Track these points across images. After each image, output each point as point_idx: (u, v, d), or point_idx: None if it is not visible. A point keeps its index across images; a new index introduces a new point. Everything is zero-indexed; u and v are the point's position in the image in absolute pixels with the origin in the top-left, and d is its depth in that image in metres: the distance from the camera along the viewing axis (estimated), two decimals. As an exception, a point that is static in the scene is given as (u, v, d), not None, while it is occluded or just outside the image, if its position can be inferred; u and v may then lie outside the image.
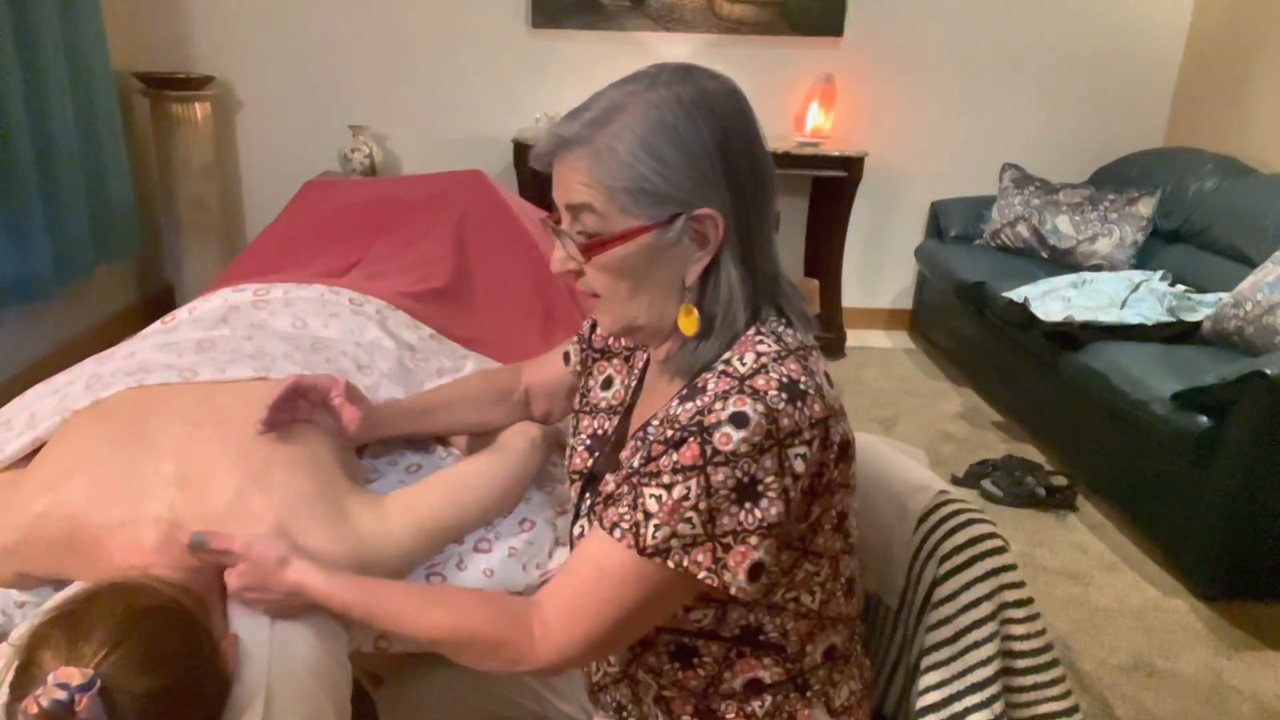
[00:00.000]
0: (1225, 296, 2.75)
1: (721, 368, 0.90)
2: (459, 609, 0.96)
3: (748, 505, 0.85)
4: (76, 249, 3.12)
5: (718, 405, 0.85)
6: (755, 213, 0.92)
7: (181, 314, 1.62)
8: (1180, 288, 3.09)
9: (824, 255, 4.07)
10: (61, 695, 0.77)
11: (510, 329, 1.87)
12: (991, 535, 1.06)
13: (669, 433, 0.88)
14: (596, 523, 0.91)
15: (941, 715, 1.02)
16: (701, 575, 0.86)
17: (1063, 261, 3.63)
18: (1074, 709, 1.05)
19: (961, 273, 3.53)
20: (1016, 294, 3.09)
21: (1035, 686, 1.04)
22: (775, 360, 0.88)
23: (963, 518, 1.07)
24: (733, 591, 0.87)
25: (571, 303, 2.02)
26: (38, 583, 1.12)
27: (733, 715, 1.00)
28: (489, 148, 4.03)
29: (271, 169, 4.06)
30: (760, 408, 0.84)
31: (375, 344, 1.55)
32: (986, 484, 2.80)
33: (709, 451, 0.84)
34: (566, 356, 1.26)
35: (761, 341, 0.90)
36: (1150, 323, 2.79)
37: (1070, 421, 2.91)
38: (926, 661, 1.05)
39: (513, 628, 0.92)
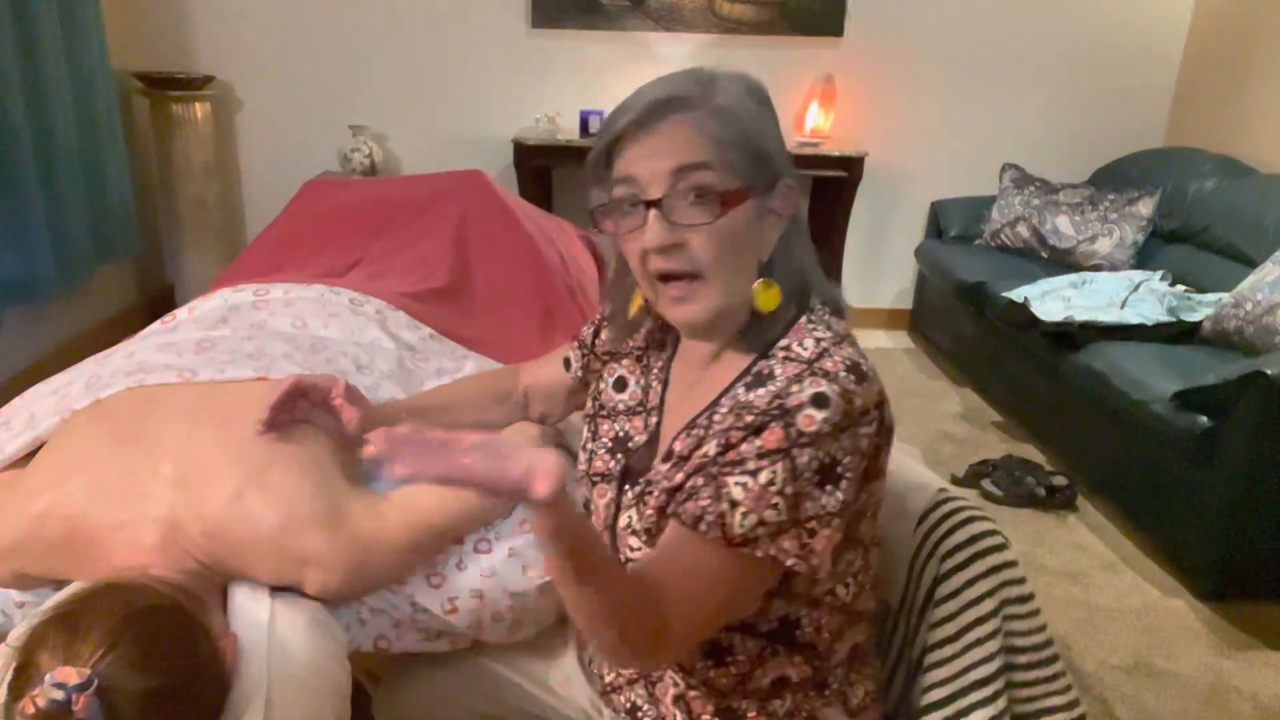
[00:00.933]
0: (1225, 296, 2.75)
1: (782, 354, 0.92)
2: (630, 593, 0.86)
3: (828, 488, 0.86)
4: (76, 249, 3.12)
5: (795, 389, 0.87)
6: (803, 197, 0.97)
7: (181, 314, 1.62)
8: (1180, 288, 3.09)
9: (824, 255, 4.03)
10: (59, 695, 0.77)
11: (510, 329, 1.87)
12: (992, 532, 1.06)
13: (748, 419, 0.88)
14: (677, 520, 0.90)
15: (945, 712, 1.03)
16: (790, 562, 0.87)
17: (1063, 261, 3.63)
18: (1075, 703, 1.06)
19: (961, 273, 3.53)
20: (1016, 294, 3.09)
21: (1037, 681, 1.05)
22: (834, 345, 0.90)
23: (963, 515, 1.08)
24: (820, 575, 0.89)
25: (571, 303, 2.02)
26: (37, 583, 1.12)
27: (754, 714, 1.00)
28: (489, 148, 4.03)
29: (271, 169, 4.06)
30: (835, 388, 0.86)
31: (375, 344, 1.55)
32: (986, 484, 2.80)
33: (793, 434, 0.85)
34: (567, 362, 1.25)
35: (815, 329, 0.93)
36: (1150, 323, 2.79)
37: (1070, 421, 2.91)
38: (929, 659, 1.05)
39: (654, 617, 0.86)
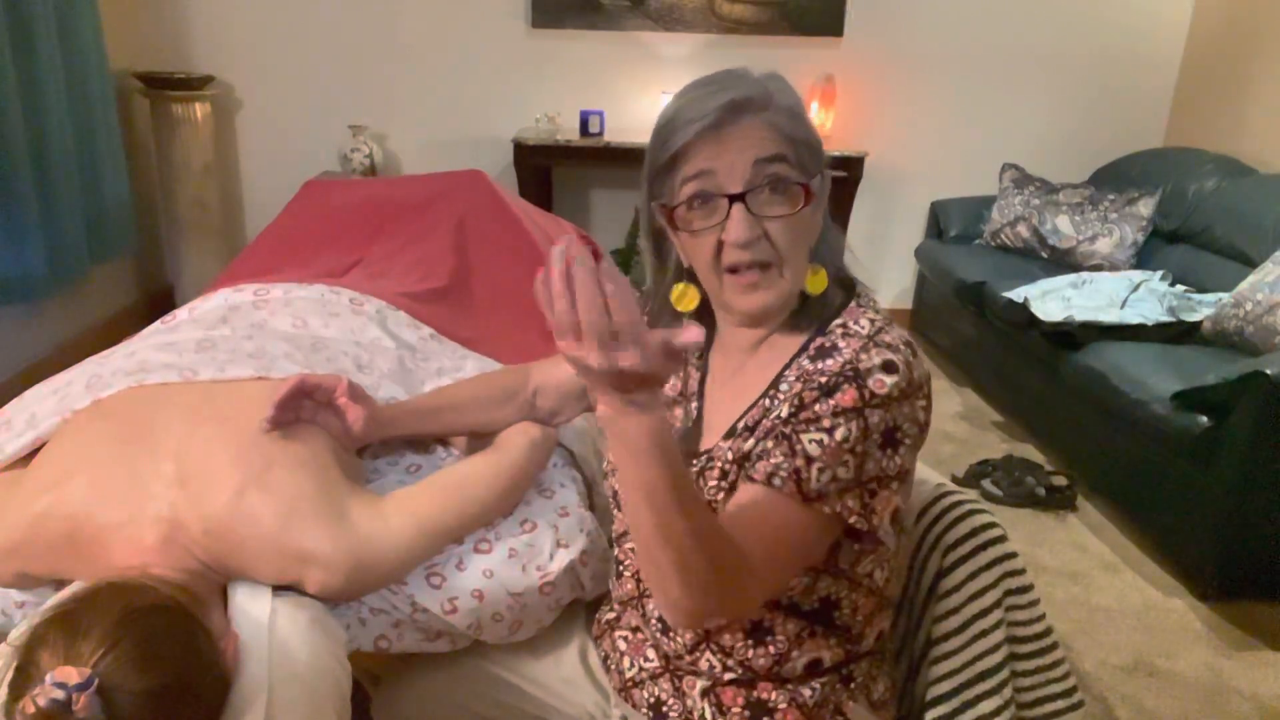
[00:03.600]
0: (1225, 296, 2.75)
1: (841, 330, 0.96)
2: (716, 527, 0.83)
3: (888, 451, 0.90)
4: (71, 249, 3.12)
5: (864, 355, 0.91)
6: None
7: (181, 314, 1.62)
8: (1180, 288, 3.09)
9: (824, 255, 4.07)
10: (59, 694, 0.77)
11: (510, 329, 1.87)
12: (992, 525, 1.08)
13: (822, 380, 0.91)
14: (749, 480, 0.93)
15: (952, 704, 1.04)
16: (853, 520, 0.90)
17: (1063, 261, 3.63)
18: (1074, 690, 1.09)
19: (961, 273, 3.53)
20: (1016, 294, 3.09)
21: (1039, 670, 1.07)
22: (887, 325, 0.96)
23: (963, 509, 1.09)
24: (880, 534, 0.93)
25: (571, 303, 2.02)
26: (38, 583, 1.12)
27: (784, 706, 1.01)
28: (489, 148, 4.03)
29: (271, 169, 4.06)
30: (900, 358, 0.91)
31: (375, 344, 1.55)
32: (986, 484, 2.80)
33: (867, 395, 0.89)
34: None
35: (866, 311, 0.98)
36: (1150, 323, 2.79)
37: (1070, 421, 2.91)
38: (935, 652, 1.06)
39: (741, 573, 0.84)
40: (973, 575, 1.05)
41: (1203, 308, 2.87)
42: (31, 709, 0.77)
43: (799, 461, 0.89)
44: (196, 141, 3.74)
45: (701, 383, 1.09)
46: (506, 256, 2.03)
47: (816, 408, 0.90)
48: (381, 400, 1.33)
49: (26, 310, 3.10)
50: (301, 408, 1.20)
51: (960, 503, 1.10)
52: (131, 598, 0.89)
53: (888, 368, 0.90)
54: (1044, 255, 3.69)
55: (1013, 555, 1.07)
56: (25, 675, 0.81)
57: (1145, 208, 3.53)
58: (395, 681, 1.27)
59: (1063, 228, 3.65)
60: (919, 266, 4.13)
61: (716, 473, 0.99)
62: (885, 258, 4.29)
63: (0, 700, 0.83)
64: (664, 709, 1.07)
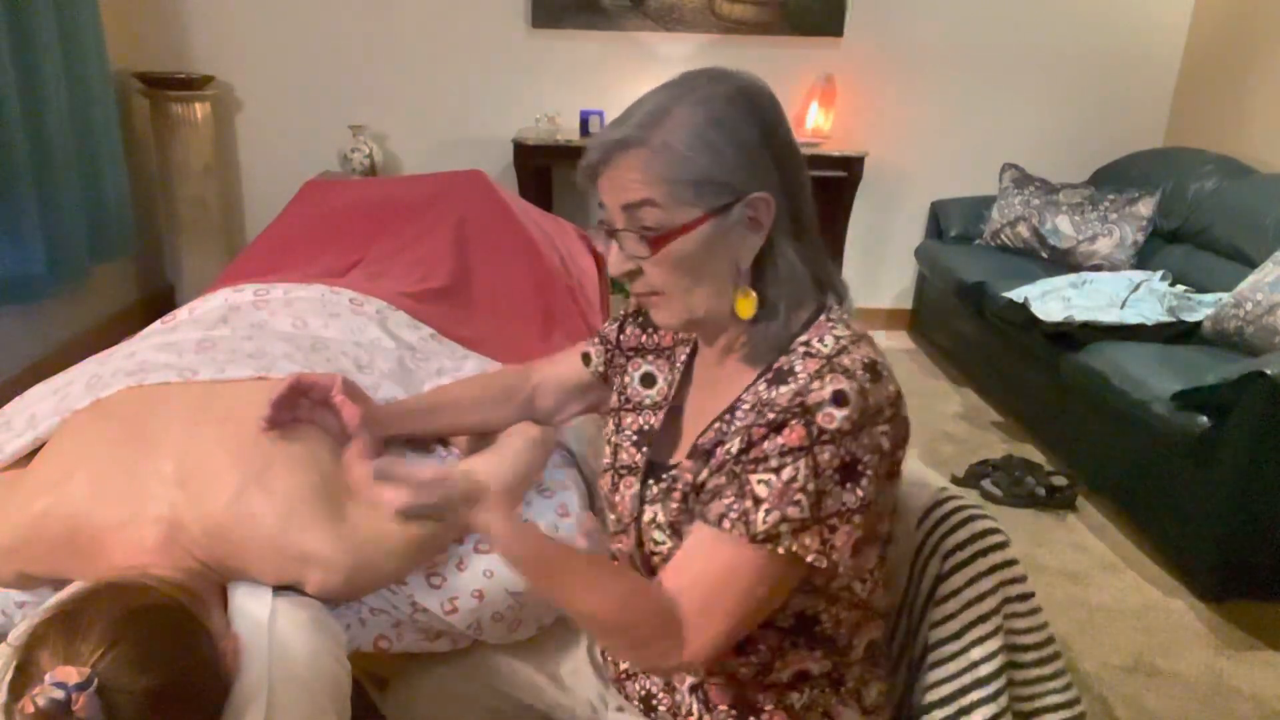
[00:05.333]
0: (1225, 296, 2.75)
1: (803, 349, 0.94)
2: (623, 598, 0.93)
3: (849, 485, 0.88)
4: (71, 249, 3.12)
5: (815, 385, 0.88)
6: (801, 193, 0.97)
7: (181, 314, 1.62)
8: (1180, 288, 3.09)
9: (824, 255, 4.07)
10: (58, 694, 0.77)
11: (510, 329, 1.87)
12: (993, 530, 1.07)
13: (769, 416, 0.90)
14: (702, 520, 0.93)
15: (948, 710, 1.03)
16: (810, 558, 0.88)
17: (1063, 261, 3.63)
18: (1075, 701, 1.07)
19: (961, 273, 3.53)
20: (1016, 294, 3.09)
21: (1039, 679, 1.06)
22: (853, 343, 0.93)
23: (964, 514, 1.08)
24: (841, 570, 0.90)
25: (571, 303, 2.02)
26: (38, 583, 1.12)
27: (770, 707, 1.01)
28: (489, 148, 4.03)
29: (271, 169, 4.06)
30: (854, 386, 0.88)
31: (375, 344, 1.55)
32: (986, 484, 2.80)
33: (814, 431, 0.87)
34: (586, 357, 1.25)
35: (834, 326, 0.95)
36: (1150, 323, 2.79)
37: (1070, 421, 2.91)
38: (932, 657, 1.05)
39: (669, 625, 0.91)
40: (971, 581, 1.04)
41: (1203, 308, 2.87)
42: (31, 709, 0.77)
43: (748, 503, 0.88)
44: (196, 141, 3.74)
45: (682, 388, 1.10)
46: (506, 256, 2.03)
47: (765, 445, 0.89)
48: (381, 400, 1.33)
49: (26, 310, 3.10)
50: (298, 407, 1.19)
51: (962, 508, 1.09)
52: (131, 598, 0.89)
53: (837, 400, 0.87)
54: (1044, 255, 3.69)
55: (1013, 563, 1.05)
56: (25, 675, 0.81)
57: (1145, 208, 3.53)
58: (407, 676, 1.27)
59: (1063, 228, 3.65)
60: (919, 266, 4.13)
61: (679, 494, 0.99)
62: (885, 258, 4.29)
63: (0, 700, 0.83)
64: (654, 702, 1.08)
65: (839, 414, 0.87)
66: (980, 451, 3.06)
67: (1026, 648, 1.05)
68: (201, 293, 1.73)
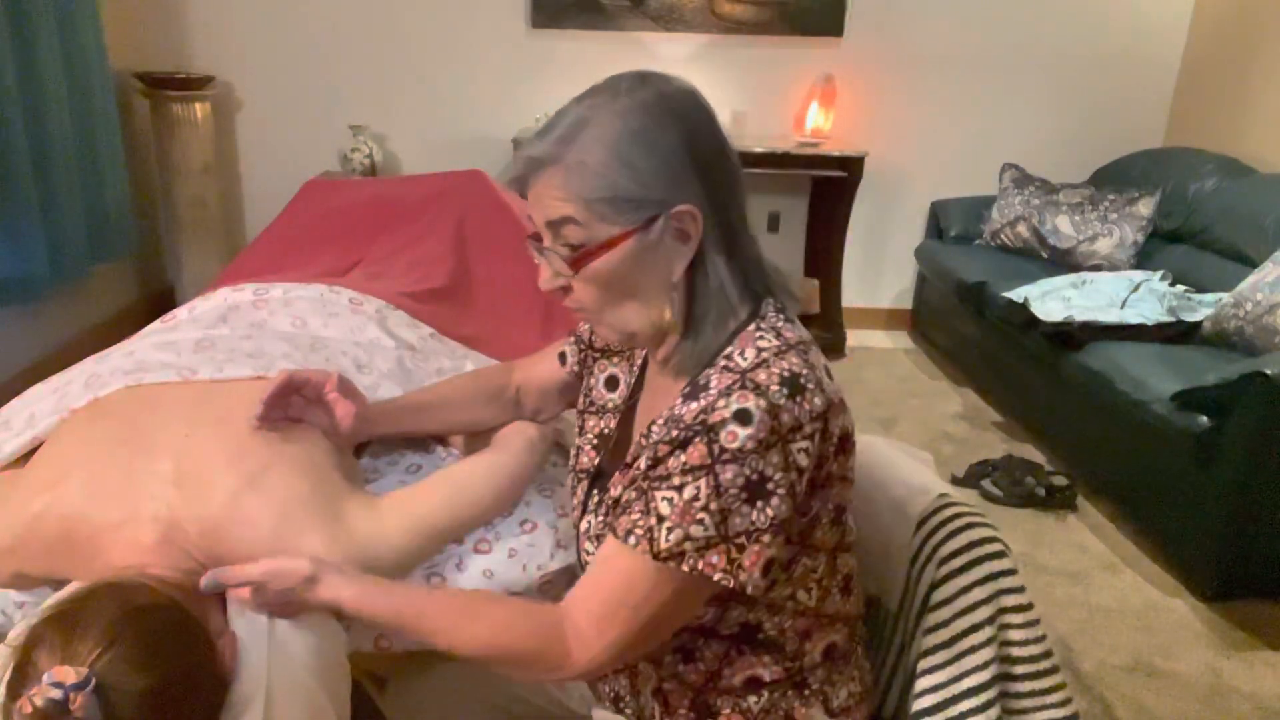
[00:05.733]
0: (1225, 296, 2.75)
1: (723, 363, 0.91)
2: (497, 623, 0.95)
3: (758, 504, 0.86)
4: (71, 249, 3.12)
5: (720, 403, 0.86)
6: (731, 202, 0.94)
7: (181, 313, 1.61)
8: (1180, 288, 3.09)
9: (824, 255, 4.07)
10: (56, 694, 0.76)
11: (510, 328, 1.87)
12: (992, 539, 1.04)
13: (674, 433, 0.88)
14: (611, 533, 0.92)
15: (937, 719, 1.02)
16: (717, 577, 0.87)
17: (1063, 261, 3.63)
18: (1074, 716, 1.04)
19: (961, 273, 3.53)
20: (1016, 294, 3.09)
21: (1033, 693, 1.03)
22: (776, 355, 0.89)
23: (962, 521, 1.06)
24: (749, 591, 0.88)
25: (571, 302, 2.02)
26: (35, 583, 1.12)
27: (729, 711, 1.00)
28: (489, 148, 4.03)
29: (271, 169, 4.06)
30: (763, 403, 0.85)
31: (375, 343, 1.55)
32: (986, 484, 2.80)
33: (716, 450, 0.85)
34: (563, 357, 1.26)
35: (761, 337, 0.92)
36: (1150, 323, 2.79)
37: (1070, 421, 2.91)
38: (923, 665, 1.04)
39: (550, 640, 0.92)
40: (965, 589, 1.02)
41: (1203, 308, 2.87)
42: (29, 709, 0.76)
43: (652, 520, 0.87)
44: (196, 141, 3.74)
45: (635, 395, 1.10)
46: (506, 256, 2.03)
47: (669, 463, 0.88)
48: (380, 400, 1.33)
49: (27, 310, 3.10)
50: (290, 404, 1.19)
51: (961, 514, 1.07)
52: (129, 597, 0.88)
53: (741, 418, 0.84)
54: (1044, 255, 3.69)
55: (1012, 572, 1.03)
56: (23, 675, 0.81)
57: (1145, 208, 3.53)
58: (406, 676, 1.27)
59: (1063, 228, 3.64)
60: (919, 266, 4.13)
61: (605, 506, 0.99)
62: (885, 258, 4.29)
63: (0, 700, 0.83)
64: (621, 705, 1.08)
65: (742, 432, 0.84)
66: (980, 451, 3.06)
67: (1021, 660, 1.03)
68: (201, 293, 1.73)
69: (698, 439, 0.86)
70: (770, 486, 0.86)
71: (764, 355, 0.89)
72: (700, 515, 0.85)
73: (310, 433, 1.20)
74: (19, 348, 3.12)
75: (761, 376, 0.87)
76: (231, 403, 1.19)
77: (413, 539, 1.15)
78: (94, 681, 0.79)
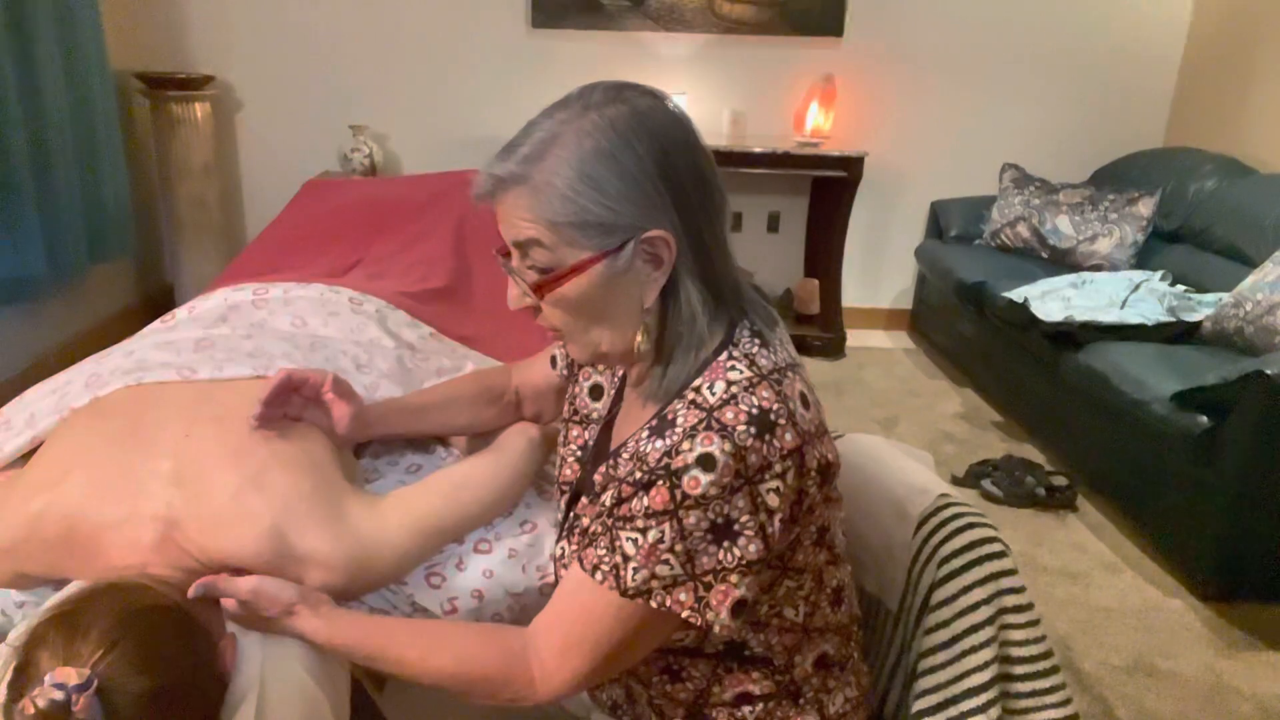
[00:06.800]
0: (1225, 296, 2.75)
1: (691, 396, 0.87)
2: (462, 652, 0.95)
3: (725, 544, 0.84)
4: (70, 249, 3.12)
5: (685, 445, 0.83)
6: (707, 226, 0.90)
7: (181, 313, 1.61)
8: (1180, 288, 3.09)
9: (824, 255, 4.07)
10: (58, 695, 0.76)
11: (510, 328, 1.87)
12: (992, 539, 1.04)
13: (638, 474, 0.87)
14: (577, 563, 0.92)
15: (938, 719, 1.02)
16: (685, 614, 0.86)
17: (1063, 261, 3.63)
18: (1073, 717, 1.04)
19: (961, 273, 3.53)
20: (1016, 294, 3.09)
21: (1034, 693, 1.03)
22: (746, 389, 0.85)
23: (963, 521, 1.06)
24: (716, 630, 0.87)
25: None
26: (35, 583, 1.12)
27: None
28: (489, 148, 3.97)
29: (271, 169, 4.06)
30: (727, 446, 0.82)
31: (375, 343, 1.55)
32: (986, 484, 2.80)
33: (679, 496, 0.83)
34: (554, 360, 1.25)
35: (733, 368, 0.88)
36: (1150, 323, 2.79)
37: (1070, 421, 2.91)
38: (924, 665, 1.04)
39: (514, 667, 0.92)
40: (965, 589, 1.02)
41: (1203, 308, 2.87)
42: (31, 710, 0.76)
43: (617, 558, 0.87)
44: (196, 141, 3.74)
45: (614, 408, 1.09)
46: (506, 256, 2.02)
47: (632, 504, 0.86)
48: (380, 400, 1.33)
49: (26, 310, 3.10)
50: (289, 403, 1.19)
51: (960, 514, 1.07)
52: (130, 598, 0.88)
53: (704, 464, 0.81)
54: (1044, 255, 3.69)
55: (1012, 572, 1.03)
56: (24, 676, 0.81)
57: (1145, 208, 3.53)
58: (401, 680, 1.27)
59: (1063, 228, 3.65)
60: (919, 266, 4.13)
61: (578, 532, 0.98)
62: (885, 258, 4.30)
63: (0, 700, 0.83)
64: (620, 712, 1.08)
65: (705, 479, 0.82)
66: (980, 451, 3.06)
67: (1021, 660, 1.03)
68: (201, 292, 1.73)
69: (660, 483, 0.84)
70: (736, 529, 0.84)
71: (733, 390, 0.85)
72: (665, 556, 0.84)
73: (310, 431, 1.20)
74: (18, 348, 3.12)
75: (729, 415, 0.84)
76: (231, 402, 1.19)
77: (414, 538, 1.15)
78: (96, 683, 0.79)
